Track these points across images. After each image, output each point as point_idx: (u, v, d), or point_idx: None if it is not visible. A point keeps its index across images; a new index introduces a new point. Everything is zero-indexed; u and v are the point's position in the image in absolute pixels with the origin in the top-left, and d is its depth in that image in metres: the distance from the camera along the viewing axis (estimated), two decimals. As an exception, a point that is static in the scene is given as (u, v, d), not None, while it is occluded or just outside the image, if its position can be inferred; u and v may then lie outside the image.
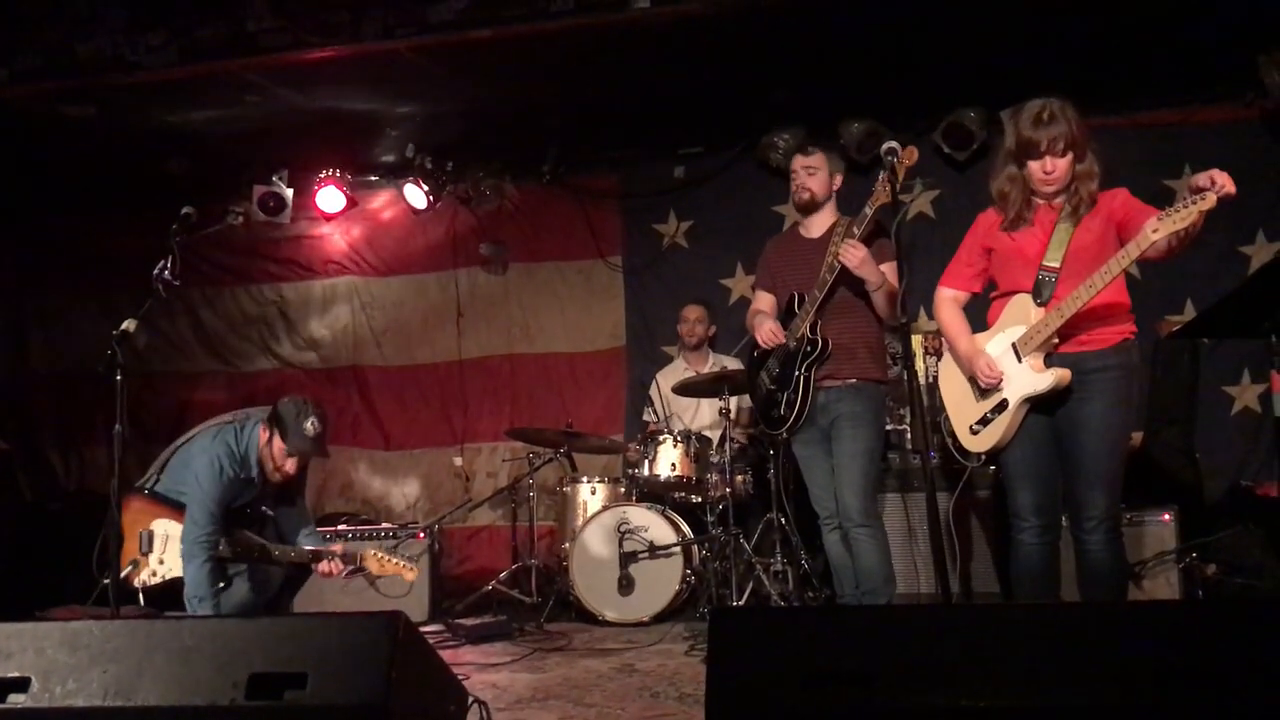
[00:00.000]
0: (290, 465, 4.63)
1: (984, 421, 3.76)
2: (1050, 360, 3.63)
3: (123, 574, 4.45)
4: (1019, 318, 3.69)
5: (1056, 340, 3.61)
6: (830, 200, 4.64)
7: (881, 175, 4.02)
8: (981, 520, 5.40)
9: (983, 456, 3.83)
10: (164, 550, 4.59)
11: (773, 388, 4.57)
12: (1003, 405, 3.70)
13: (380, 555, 4.76)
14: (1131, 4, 5.29)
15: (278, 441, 4.58)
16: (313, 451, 4.63)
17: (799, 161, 4.64)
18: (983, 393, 3.77)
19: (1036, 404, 3.66)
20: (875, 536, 4.43)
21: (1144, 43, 5.70)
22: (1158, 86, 6.29)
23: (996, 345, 3.75)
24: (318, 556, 4.64)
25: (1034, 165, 3.65)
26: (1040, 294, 3.64)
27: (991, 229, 3.84)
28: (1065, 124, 3.59)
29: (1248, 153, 6.13)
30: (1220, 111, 6.33)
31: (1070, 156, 3.61)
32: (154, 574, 4.55)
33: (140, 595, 4.50)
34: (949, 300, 3.96)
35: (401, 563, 4.77)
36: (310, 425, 4.54)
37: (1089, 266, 3.52)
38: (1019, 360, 3.66)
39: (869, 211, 4.29)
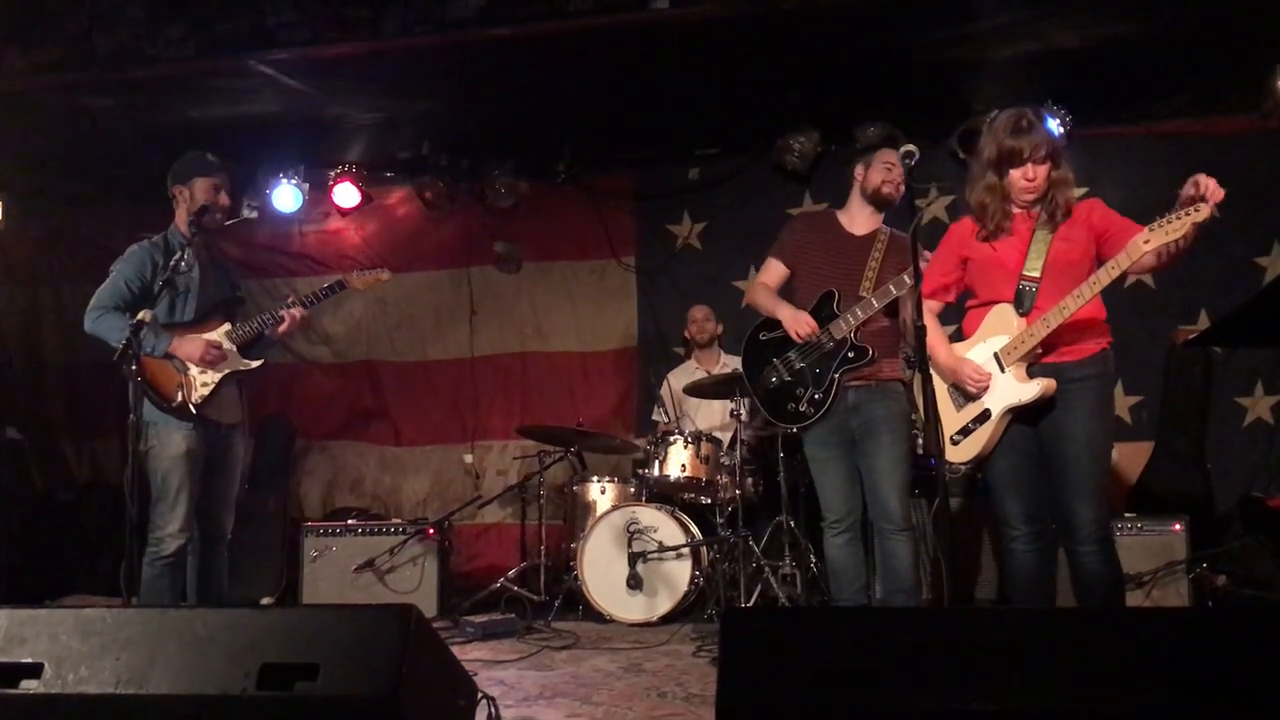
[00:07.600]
0: (223, 196, 4.66)
1: (965, 431, 3.74)
2: (1033, 370, 3.63)
3: (177, 402, 4.44)
4: (1001, 327, 3.68)
5: (1040, 350, 3.60)
6: None
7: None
8: (969, 526, 5.39)
9: (961, 467, 3.81)
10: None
11: (789, 380, 4.41)
12: (985, 415, 3.69)
13: (357, 274, 4.91)
14: (1149, 14, 5.28)
15: (199, 184, 4.59)
16: (221, 165, 4.69)
17: (892, 156, 4.35)
18: (964, 402, 3.76)
19: (1019, 414, 3.65)
20: (912, 541, 4.37)
21: (1160, 53, 5.69)
22: (1174, 96, 6.30)
23: (978, 355, 3.73)
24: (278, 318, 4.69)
25: (1015, 173, 3.65)
26: (1022, 304, 3.64)
27: (967, 239, 3.83)
28: (1044, 130, 3.61)
29: (1263, 163, 6.14)
30: (1236, 122, 6.33)
31: (1049, 163, 3.62)
32: (205, 384, 4.51)
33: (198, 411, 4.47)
34: (926, 310, 3.89)
35: (373, 273, 4.93)
36: (205, 154, 4.65)
37: (1069, 276, 3.53)
38: (1002, 370, 3.65)
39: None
